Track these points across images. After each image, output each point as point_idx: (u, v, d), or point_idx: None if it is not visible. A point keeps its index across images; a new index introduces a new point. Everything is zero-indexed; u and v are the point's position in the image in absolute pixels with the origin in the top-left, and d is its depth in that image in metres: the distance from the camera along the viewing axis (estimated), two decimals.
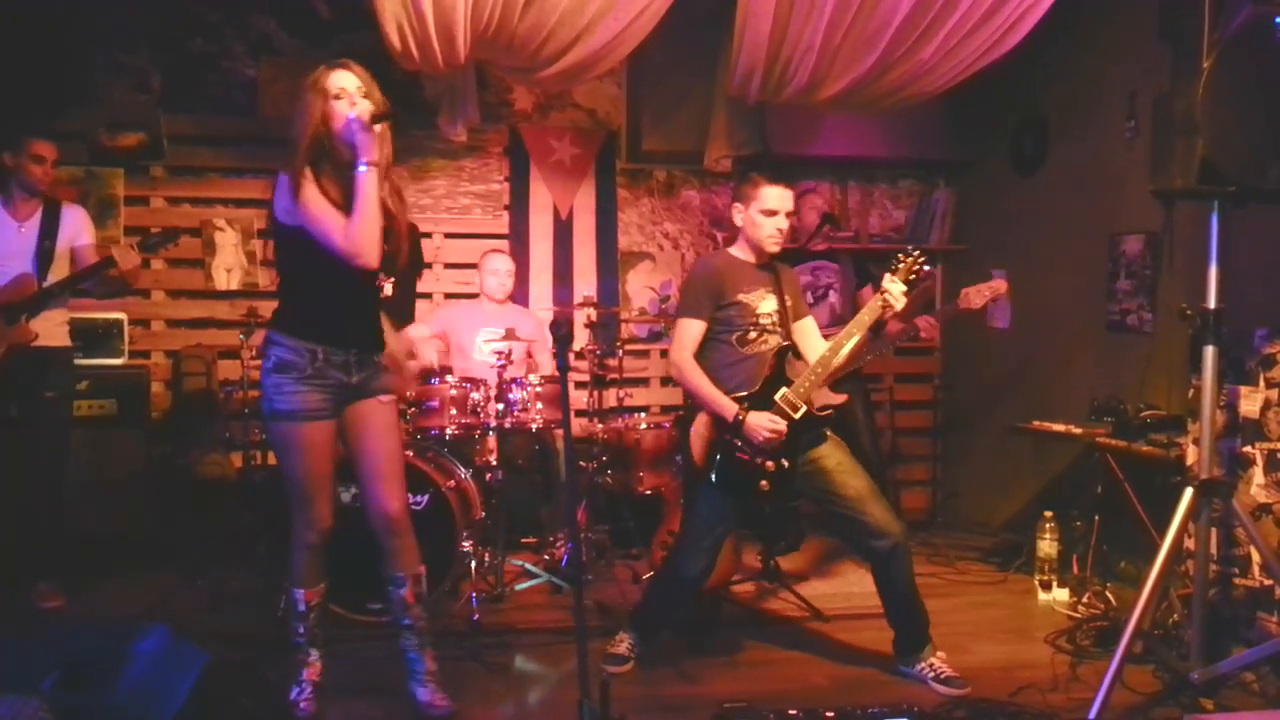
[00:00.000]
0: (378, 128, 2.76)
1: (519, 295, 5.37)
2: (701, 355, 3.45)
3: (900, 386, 6.11)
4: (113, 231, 5.15)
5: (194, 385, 5.20)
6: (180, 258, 5.29)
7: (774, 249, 3.48)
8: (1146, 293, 4.62)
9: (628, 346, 5.22)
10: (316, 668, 3.09)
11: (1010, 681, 3.34)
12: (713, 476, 3.38)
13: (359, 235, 2.74)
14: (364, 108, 2.76)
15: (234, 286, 5.36)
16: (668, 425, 4.86)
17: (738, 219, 3.52)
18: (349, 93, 2.80)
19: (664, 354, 5.74)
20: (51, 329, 4.07)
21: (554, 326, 2.60)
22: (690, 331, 3.44)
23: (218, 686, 1.77)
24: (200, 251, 5.32)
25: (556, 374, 4.55)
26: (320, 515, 2.98)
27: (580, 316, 5.32)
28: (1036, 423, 4.63)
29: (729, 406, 3.32)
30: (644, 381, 5.80)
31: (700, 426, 3.45)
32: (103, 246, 4.24)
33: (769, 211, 3.42)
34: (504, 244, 5.56)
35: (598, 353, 4.92)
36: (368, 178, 2.74)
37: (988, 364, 5.75)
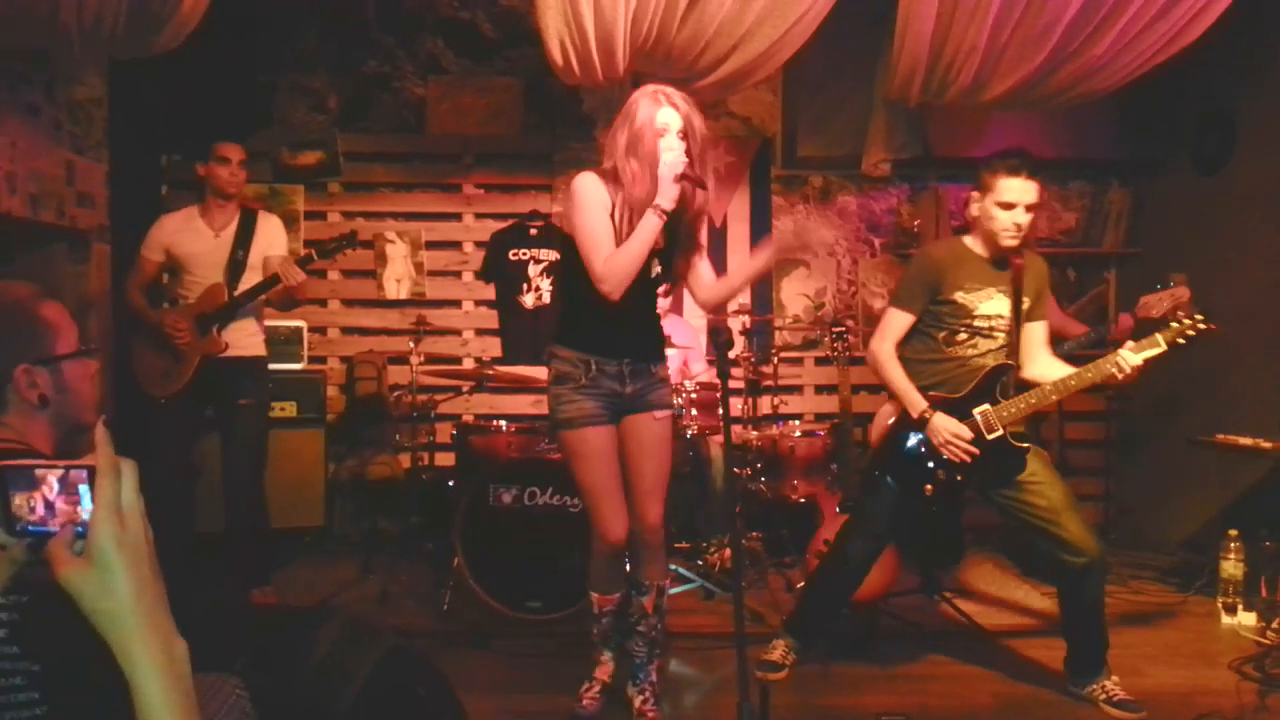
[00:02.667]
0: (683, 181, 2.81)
1: (673, 304, 5.41)
2: (905, 342, 3.37)
3: (1069, 397, 5.82)
4: (294, 244, 5.45)
5: (366, 389, 5.47)
6: (354, 269, 5.60)
7: (1010, 244, 3.31)
8: None
9: (782, 354, 5.19)
10: (608, 668, 3.19)
11: (1189, 709, 3.16)
12: (884, 465, 3.34)
13: (617, 267, 2.80)
14: (680, 157, 2.84)
15: (403, 296, 5.61)
16: (822, 433, 4.81)
17: (974, 209, 3.35)
18: (671, 133, 2.90)
19: (818, 361, 5.70)
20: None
21: (714, 333, 2.61)
22: (896, 323, 3.35)
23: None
24: (372, 263, 5.60)
25: (711, 381, 4.57)
26: (612, 523, 2.96)
27: (734, 324, 5.32)
28: (1220, 436, 4.35)
29: (919, 401, 3.26)
30: (798, 389, 5.75)
31: (885, 412, 3.41)
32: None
33: (1006, 205, 3.24)
34: None
35: (752, 360, 4.91)
36: (653, 221, 2.80)
37: (1165, 373, 5.39)
